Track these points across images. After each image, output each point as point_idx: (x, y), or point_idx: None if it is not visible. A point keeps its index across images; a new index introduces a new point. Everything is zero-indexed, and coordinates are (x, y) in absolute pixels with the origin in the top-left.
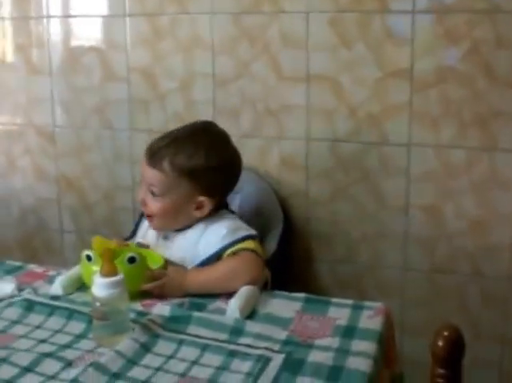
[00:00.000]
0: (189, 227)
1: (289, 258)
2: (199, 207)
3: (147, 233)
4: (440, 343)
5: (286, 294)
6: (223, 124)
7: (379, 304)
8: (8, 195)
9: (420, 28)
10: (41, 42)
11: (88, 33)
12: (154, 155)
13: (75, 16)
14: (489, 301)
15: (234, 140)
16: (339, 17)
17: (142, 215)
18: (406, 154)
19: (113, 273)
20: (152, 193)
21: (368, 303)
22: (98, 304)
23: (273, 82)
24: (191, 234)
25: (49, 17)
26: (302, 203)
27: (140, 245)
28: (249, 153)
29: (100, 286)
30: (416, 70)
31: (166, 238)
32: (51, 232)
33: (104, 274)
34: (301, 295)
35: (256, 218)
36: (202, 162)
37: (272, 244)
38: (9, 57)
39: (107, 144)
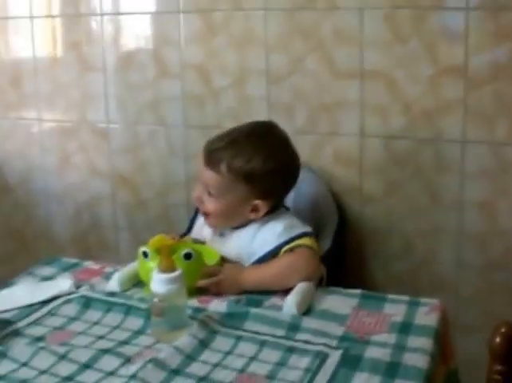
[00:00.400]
0: (245, 225)
1: (343, 254)
2: (255, 209)
3: (202, 229)
4: (498, 339)
5: (342, 290)
6: (277, 120)
7: (434, 300)
8: (62, 191)
9: (474, 24)
10: (94, 39)
11: (142, 29)
12: (211, 156)
13: (128, 13)
14: None
15: (288, 134)
16: (393, 13)
17: (197, 211)
18: (460, 151)
19: (171, 269)
20: (208, 193)
21: (423, 300)
22: (156, 300)
23: (326, 78)
24: (247, 231)
25: (102, 14)
26: (356, 199)
27: (196, 241)
28: (303, 149)
29: (159, 282)
30: (470, 67)
31: (222, 235)
32: (105, 229)
33: (163, 270)
34: (357, 291)
35: (311, 214)
36: (260, 166)
37: (327, 240)
38: (62, 54)
39: (161, 141)
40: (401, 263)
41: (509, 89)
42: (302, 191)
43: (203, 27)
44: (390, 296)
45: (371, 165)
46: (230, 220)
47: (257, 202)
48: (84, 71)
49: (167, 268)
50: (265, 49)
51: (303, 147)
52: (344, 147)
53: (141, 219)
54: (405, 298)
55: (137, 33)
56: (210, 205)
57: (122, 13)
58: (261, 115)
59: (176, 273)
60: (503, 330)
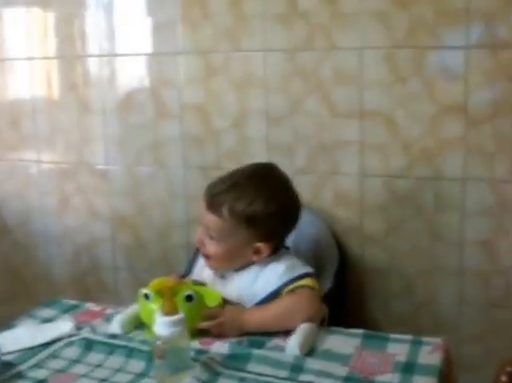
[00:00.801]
0: (246, 267)
1: (344, 294)
2: (257, 252)
3: (203, 271)
4: (503, 378)
5: (344, 330)
6: (277, 160)
7: (438, 339)
8: (61, 233)
9: (474, 63)
10: (92, 81)
11: (141, 70)
12: (213, 199)
13: (127, 54)
14: None
15: (288, 175)
16: (393, 52)
17: (196, 253)
18: (461, 189)
19: (174, 311)
20: (210, 236)
21: (426, 339)
22: (159, 342)
23: (326, 118)
24: (248, 273)
25: (100, 55)
26: (357, 239)
27: (197, 283)
28: (303, 189)
29: (162, 325)
30: (470, 105)
31: (223, 277)
32: (105, 271)
33: (166, 313)
34: (360, 331)
35: (311, 254)
36: (262, 209)
37: (328, 280)
38: (61, 95)
39: (161, 182)
40: (402, 303)
41: (508, 126)
42: (303, 232)
43: (203, 68)
44: (392, 335)
45: (371, 205)
46: (232, 263)
47: (260, 244)
48: (82, 112)
49: (170, 311)
50: (264, 89)
51: (303, 187)
52: (345, 187)
53: (141, 260)
54: (408, 337)
55: (136, 74)
56: (212, 248)
57: (120, 55)
58: (261, 155)
59: (179, 316)
60: (509, 369)
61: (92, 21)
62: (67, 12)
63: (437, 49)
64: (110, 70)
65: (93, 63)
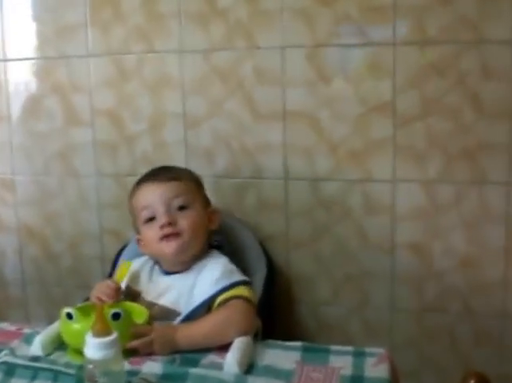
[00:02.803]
0: (187, 268)
1: (273, 302)
2: (211, 218)
3: (138, 275)
4: None
5: (282, 343)
6: (196, 164)
7: (380, 350)
8: None
9: (402, 60)
10: None
11: (49, 75)
12: (165, 172)
13: (34, 58)
14: (481, 339)
15: (209, 181)
16: (316, 51)
17: (118, 257)
18: (391, 190)
19: (107, 332)
20: (180, 208)
21: (368, 350)
22: (91, 366)
23: (248, 120)
24: (188, 275)
25: (5, 60)
26: (282, 244)
27: (130, 290)
28: (224, 195)
29: (94, 347)
30: (399, 103)
31: (168, 273)
32: (12, 285)
33: (97, 334)
34: (298, 344)
35: (238, 263)
36: (197, 177)
37: (257, 289)
38: None
39: (71, 191)
40: (331, 309)
41: (438, 125)
42: (227, 238)
43: (115, 71)
44: (333, 347)
45: (297, 209)
46: (199, 238)
47: (210, 209)
48: None
49: (103, 332)
50: (181, 92)
51: (225, 192)
52: (269, 191)
53: (51, 273)
54: (349, 348)
55: (44, 78)
56: (185, 220)
57: (27, 58)
58: (179, 160)
59: (112, 336)
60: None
61: None
62: None
63: (363, 46)
64: (15, 75)
65: None
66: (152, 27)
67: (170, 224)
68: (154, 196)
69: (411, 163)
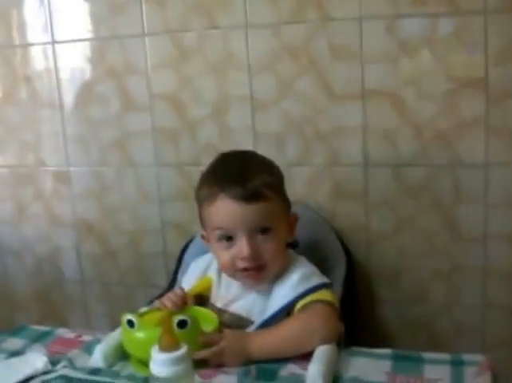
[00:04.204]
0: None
1: (354, 302)
2: (290, 226)
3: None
4: None
5: (369, 350)
6: (266, 152)
7: (481, 357)
8: (20, 245)
9: (495, 29)
10: (48, 71)
11: (102, 57)
12: (248, 187)
13: (84, 39)
14: None
15: (280, 169)
16: (398, 22)
17: (180, 261)
18: (483, 176)
19: (175, 346)
20: (261, 231)
21: (467, 357)
22: None
23: (322, 102)
24: (263, 283)
25: (54, 42)
26: (362, 237)
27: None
28: (297, 184)
29: (161, 364)
30: (492, 79)
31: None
32: (70, 284)
33: (164, 348)
34: (387, 352)
35: (313, 259)
36: (281, 177)
37: (337, 288)
38: (13, 89)
39: (130, 183)
40: (418, 308)
41: None
42: (301, 231)
43: (174, 50)
44: (427, 355)
45: (378, 198)
46: (280, 261)
47: (290, 216)
48: (38, 108)
49: (170, 346)
50: (247, 72)
51: (297, 181)
52: (346, 178)
53: (110, 271)
54: (445, 356)
55: (96, 61)
56: (269, 246)
57: (78, 40)
58: (247, 147)
59: (181, 351)
60: None
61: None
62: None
63: (450, 16)
64: (66, 59)
65: (46, 51)
66: (213, 2)
67: (254, 256)
68: (236, 219)
69: (506, 144)
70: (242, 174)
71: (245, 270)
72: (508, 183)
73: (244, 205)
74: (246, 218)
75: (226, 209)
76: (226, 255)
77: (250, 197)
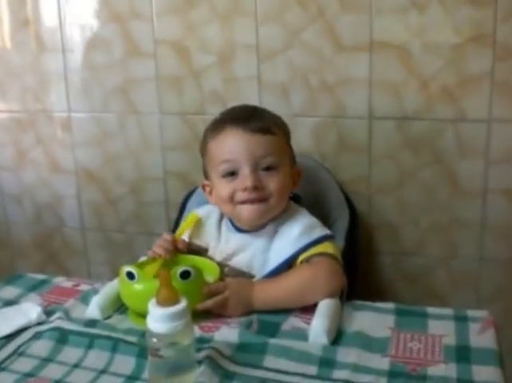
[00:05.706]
0: (263, 227)
1: (355, 254)
2: (294, 178)
3: (204, 231)
4: None
5: (371, 304)
6: (271, 102)
7: (484, 313)
8: (20, 190)
9: None
10: (50, 15)
11: (107, 1)
12: (258, 119)
13: None
14: None
15: (284, 120)
16: None
17: (182, 210)
18: (486, 131)
19: (174, 300)
20: (266, 168)
21: (470, 312)
22: (155, 340)
23: (329, 52)
24: (262, 236)
25: None
26: (364, 189)
27: (194, 246)
28: (301, 135)
29: (158, 319)
30: (500, 34)
31: (239, 230)
32: (71, 231)
33: (163, 303)
34: (391, 306)
35: (317, 210)
36: (287, 129)
37: (339, 240)
38: (13, 33)
39: (132, 130)
40: (416, 260)
41: None
42: (304, 182)
43: None
44: (431, 310)
45: (381, 151)
46: (283, 203)
47: (295, 168)
48: (39, 52)
49: (169, 300)
50: (254, 20)
51: (302, 132)
52: (350, 131)
53: (111, 218)
54: (448, 311)
55: (99, 4)
56: (273, 183)
57: None
58: (251, 97)
59: (180, 305)
60: None
61: None
62: None
63: None
64: (68, 1)
65: None
66: None
67: (256, 188)
68: (241, 150)
69: (510, 101)
70: (250, 114)
71: (248, 201)
72: (510, 140)
73: (250, 135)
74: (251, 148)
75: (231, 139)
76: (228, 188)
77: (257, 129)
